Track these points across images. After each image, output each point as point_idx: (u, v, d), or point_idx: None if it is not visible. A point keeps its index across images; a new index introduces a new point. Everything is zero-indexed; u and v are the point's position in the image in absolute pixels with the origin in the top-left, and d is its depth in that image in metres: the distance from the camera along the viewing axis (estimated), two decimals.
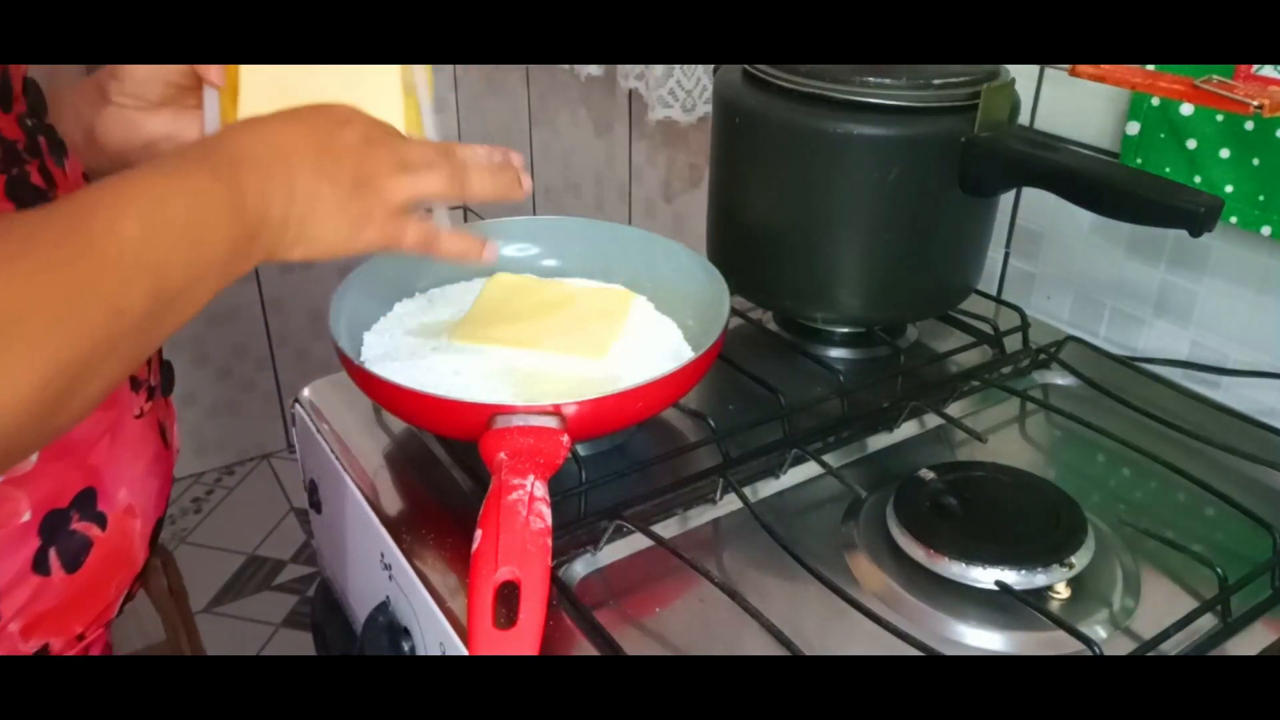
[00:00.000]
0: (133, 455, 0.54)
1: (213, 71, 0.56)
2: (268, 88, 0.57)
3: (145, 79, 0.56)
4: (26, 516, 0.48)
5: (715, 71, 0.81)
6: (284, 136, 0.48)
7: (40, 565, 0.49)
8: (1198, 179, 0.74)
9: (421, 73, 0.60)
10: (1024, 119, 0.85)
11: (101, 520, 0.51)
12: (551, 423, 0.56)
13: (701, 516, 0.63)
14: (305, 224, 0.48)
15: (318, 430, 0.71)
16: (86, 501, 0.51)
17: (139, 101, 0.56)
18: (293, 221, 0.47)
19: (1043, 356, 0.80)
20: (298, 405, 0.74)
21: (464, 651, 0.52)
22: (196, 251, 0.43)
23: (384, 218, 0.51)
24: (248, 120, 0.49)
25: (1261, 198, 0.70)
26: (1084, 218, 0.84)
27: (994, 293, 0.92)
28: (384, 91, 0.59)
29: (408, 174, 0.52)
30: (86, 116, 0.56)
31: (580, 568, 0.59)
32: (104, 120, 0.56)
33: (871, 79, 0.69)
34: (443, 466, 0.66)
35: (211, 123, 0.56)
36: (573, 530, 0.60)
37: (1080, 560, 0.56)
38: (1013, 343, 0.81)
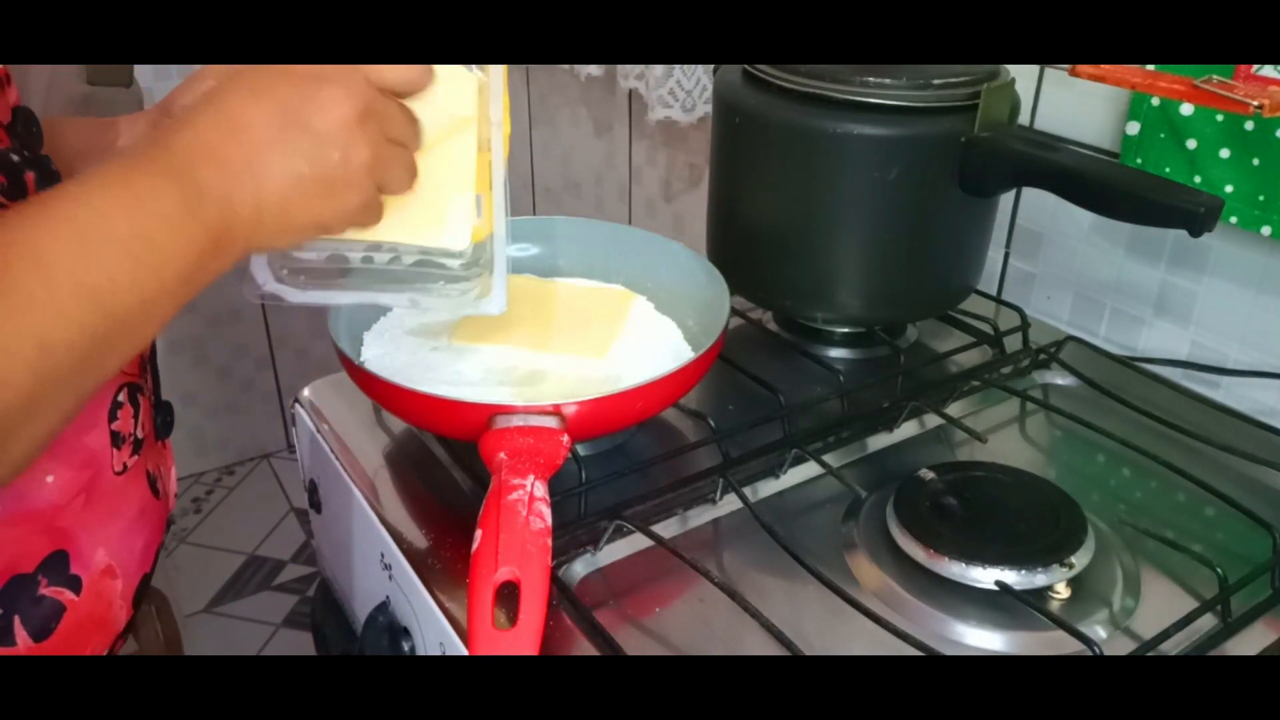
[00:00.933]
0: (111, 513, 0.51)
1: None
2: None
3: None
4: None
5: (715, 71, 0.81)
6: (244, 113, 0.41)
7: (3, 636, 0.46)
8: (1198, 179, 0.74)
9: (499, 141, 0.52)
10: (1024, 119, 0.85)
11: (75, 584, 0.48)
12: (551, 423, 0.56)
13: (701, 516, 0.63)
14: (288, 211, 0.42)
15: (318, 430, 0.71)
16: (57, 565, 0.48)
17: None
18: (269, 210, 0.41)
19: (1043, 356, 0.80)
20: (298, 405, 0.74)
21: (464, 651, 0.52)
22: (146, 266, 0.37)
23: (371, 186, 0.45)
24: (206, 97, 0.42)
25: (1261, 198, 0.70)
26: (1084, 218, 0.84)
27: (994, 293, 0.92)
28: (439, 189, 0.50)
29: (394, 134, 0.45)
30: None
31: (580, 568, 0.59)
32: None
33: (871, 79, 0.69)
34: (443, 466, 0.66)
35: None
36: (573, 530, 0.60)
37: (1080, 560, 0.56)
38: (1013, 343, 0.81)
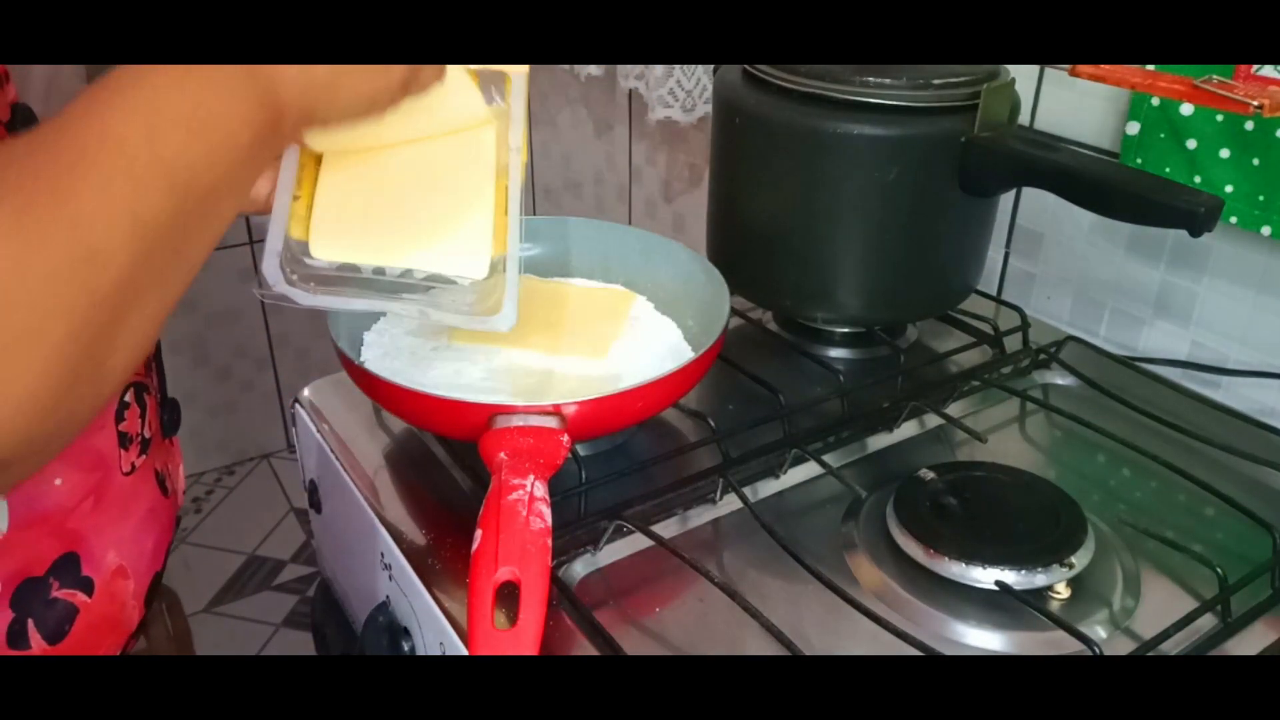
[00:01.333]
0: (122, 513, 0.51)
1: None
2: (346, 191, 0.52)
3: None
4: None
5: (715, 71, 0.81)
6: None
7: (17, 640, 0.46)
8: (1198, 179, 0.74)
9: (516, 180, 0.53)
10: (1024, 119, 0.85)
11: (87, 585, 0.49)
12: (551, 423, 0.56)
13: (701, 516, 0.63)
14: (335, 86, 0.42)
15: (318, 430, 0.71)
16: (68, 567, 0.48)
17: None
18: (317, 86, 0.41)
19: (1043, 356, 0.80)
20: (298, 405, 0.74)
21: (464, 651, 0.52)
22: (211, 142, 0.37)
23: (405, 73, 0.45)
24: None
25: (1261, 198, 0.70)
26: (1084, 218, 0.84)
27: (994, 293, 0.92)
28: (461, 212, 0.52)
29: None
30: None
31: (580, 568, 0.59)
32: None
33: (871, 79, 0.69)
34: (443, 466, 0.66)
35: (287, 177, 0.50)
36: (573, 530, 0.60)
37: (1080, 560, 0.56)
38: (1013, 343, 0.81)
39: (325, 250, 0.50)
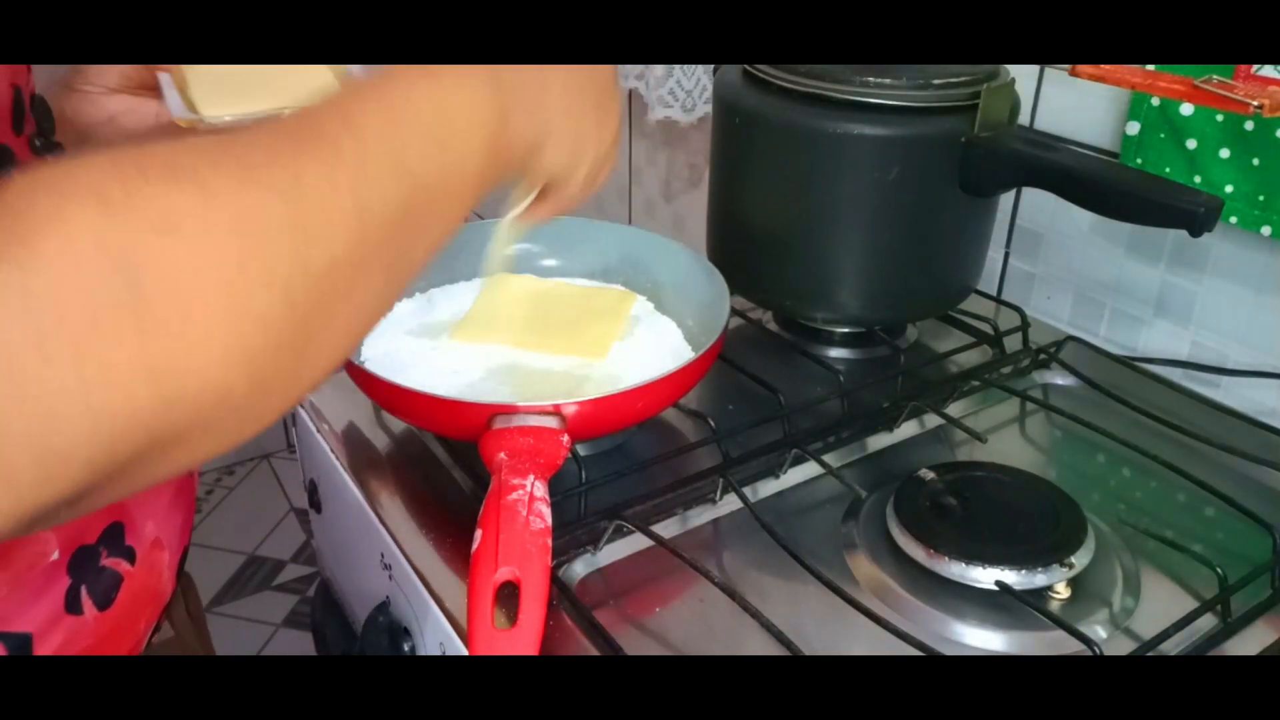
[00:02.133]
0: (158, 488, 0.53)
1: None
2: (211, 72, 0.61)
3: (101, 68, 0.59)
4: (55, 555, 0.47)
5: (715, 71, 0.81)
6: (545, 70, 0.45)
7: (73, 605, 0.48)
8: (1198, 179, 0.74)
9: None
10: (1024, 119, 0.85)
11: (130, 555, 0.51)
12: (551, 423, 0.56)
13: (701, 516, 0.63)
14: (549, 145, 0.45)
15: (318, 430, 0.71)
16: (114, 536, 0.50)
17: (99, 88, 0.59)
18: (541, 138, 0.44)
19: (1043, 356, 0.80)
20: (298, 405, 0.74)
21: (464, 651, 0.52)
22: (446, 151, 0.37)
23: (597, 164, 0.50)
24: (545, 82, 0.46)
25: (1261, 198, 0.70)
26: (1084, 218, 0.84)
27: (994, 293, 0.92)
28: (317, 75, 0.62)
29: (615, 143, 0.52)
30: (56, 101, 0.57)
31: (580, 568, 0.59)
32: (70, 103, 0.58)
33: (871, 79, 0.69)
34: (443, 466, 0.66)
35: (174, 106, 0.59)
36: (573, 530, 0.60)
37: (1080, 560, 0.56)
38: (1013, 343, 0.81)
39: (213, 109, 0.59)
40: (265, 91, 0.60)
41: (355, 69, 0.65)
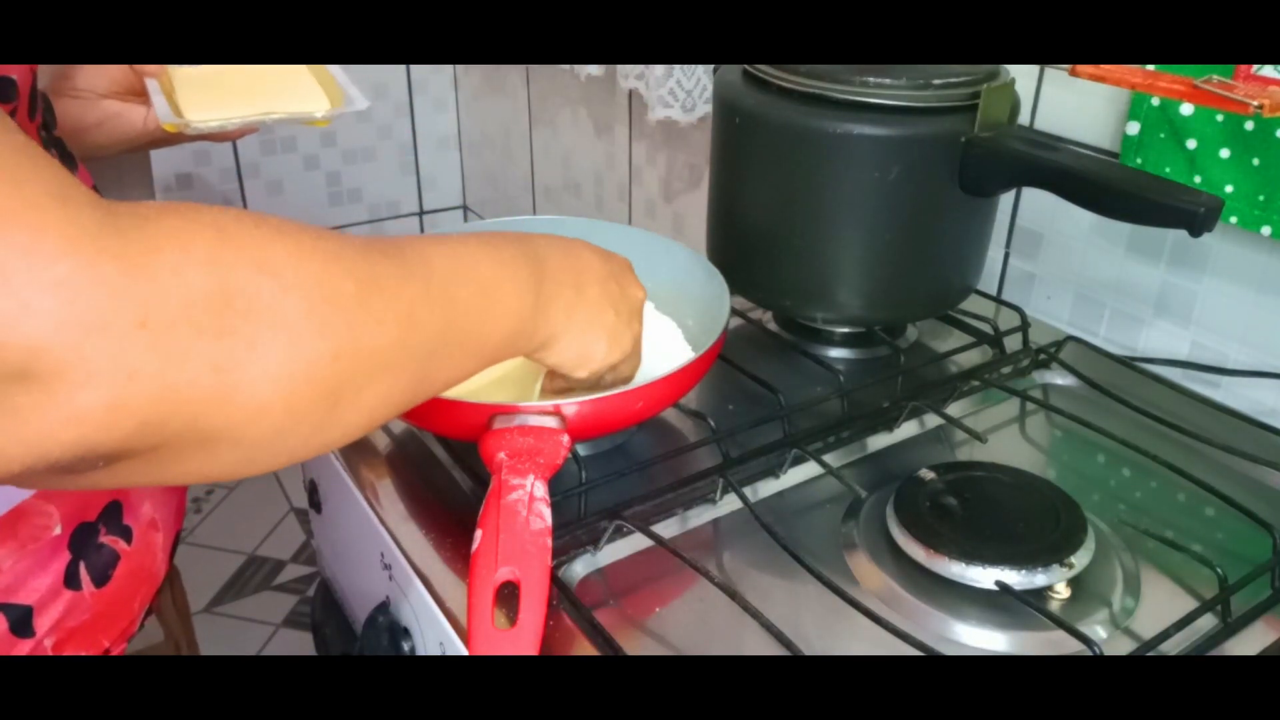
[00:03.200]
0: None
1: (150, 67, 0.62)
2: (195, 80, 0.65)
3: (92, 75, 0.62)
4: (58, 530, 0.49)
5: (715, 71, 0.81)
6: (587, 259, 0.54)
7: (71, 580, 0.50)
8: (1198, 179, 0.74)
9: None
10: (1024, 119, 0.85)
11: (127, 534, 0.52)
12: (551, 423, 0.56)
13: (701, 516, 0.63)
14: (576, 336, 0.52)
15: None
16: (113, 515, 0.51)
17: (89, 93, 0.62)
18: (570, 327, 0.52)
19: (1043, 356, 0.80)
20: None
21: (464, 651, 0.52)
22: (486, 311, 0.45)
23: (629, 350, 0.57)
24: (551, 237, 0.54)
25: (1261, 198, 0.70)
26: (1084, 218, 0.84)
27: (994, 293, 0.92)
28: (295, 76, 0.69)
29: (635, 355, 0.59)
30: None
31: (580, 568, 0.59)
32: (59, 106, 0.61)
33: (871, 79, 0.69)
34: (443, 466, 0.66)
35: (161, 111, 0.61)
36: (573, 530, 0.60)
37: (1080, 560, 0.56)
38: (1013, 343, 0.81)
39: (198, 114, 0.62)
40: (248, 98, 0.64)
41: (335, 69, 0.69)
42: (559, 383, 0.58)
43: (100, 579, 0.51)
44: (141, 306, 0.30)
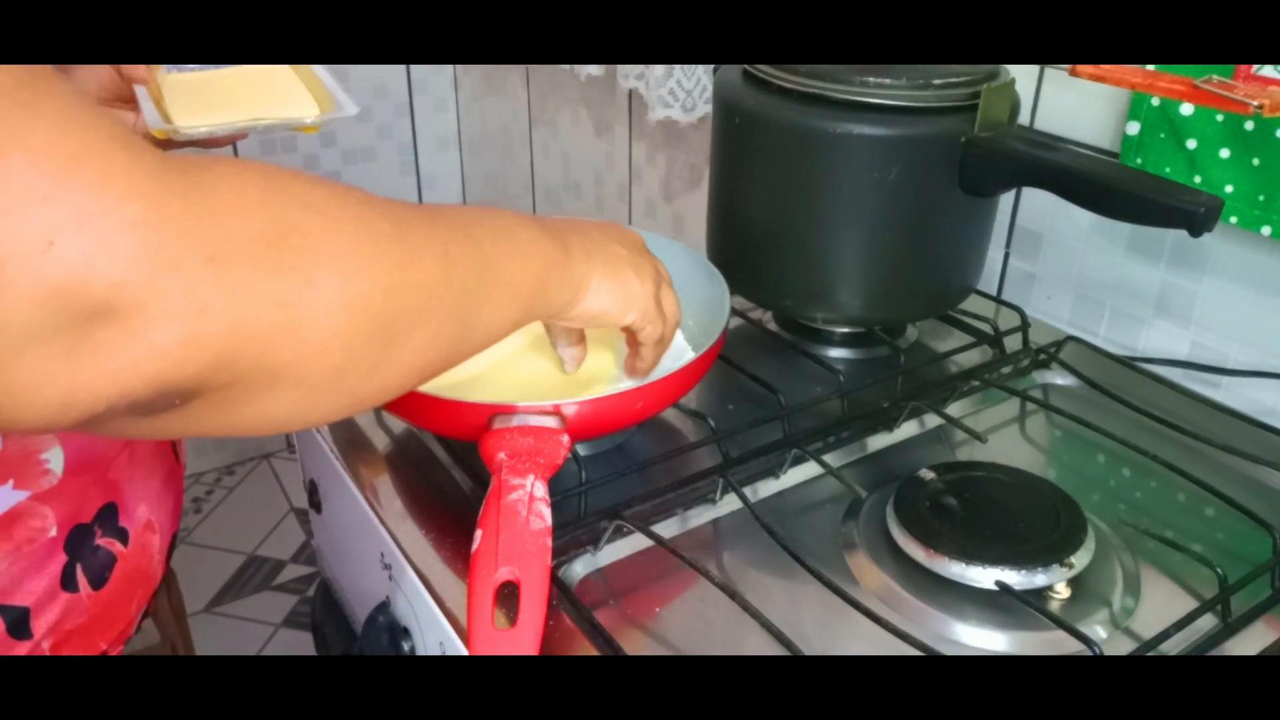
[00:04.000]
0: (149, 471, 0.55)
1: (139, 70, 0.62)
2: (184, 87, 0.66)
3: (81, 80, 0.62)
4: (53, 532, 0.49)
5: (715, 71, 0.81)
6: (602, 235, 0.55)
7: (69, 582, 0.50)
8: (1198, 179, 0.74)
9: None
10: (1024, 119, 0.85)
11: (124, 536, 0.52)
12: (551, 423, 0.56)
13: (701, 516, 0.63)
14: (602, 275, 0.52)
15: (318, 430, 0.71)
16: (109, 517, 0.52)
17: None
18: (591, 270, 0.52)
19: (1043, 356, 0.80)
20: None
21: (464, 651, 0.52)
22: (514, 248, 0.46)
23: (656, 276, 0.57)
24: (576, 222, 0.55)
25: (1261, 198, 0.70)
26: (1084, 218, 0.84)
27: (994, 293, 0.92)
28: (284, 82, 0.70)
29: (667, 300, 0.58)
30: None
31: (580, 568, 0.59)
32: None
33: (871, 79, 0.69)
34: (443, 466, 0.66)
35: (151, 118, 0.61)
36: (573, 530, 0.60)
37: (1080, 560, 0.56)
38: (1013, 343, 0.81)
39: (187, 120, 0.62)
40: (237, 104, 0.64)
41: (324, 75, 0.70)
42: (631, 353, 0.60)
43: (97, 581, 0.51)
44: (209, 243, 0.31)
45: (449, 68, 2.01)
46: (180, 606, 0.79)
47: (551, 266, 0.49)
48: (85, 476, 0.50)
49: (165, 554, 0.57)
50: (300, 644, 1.65)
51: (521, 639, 0.46)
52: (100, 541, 0.51)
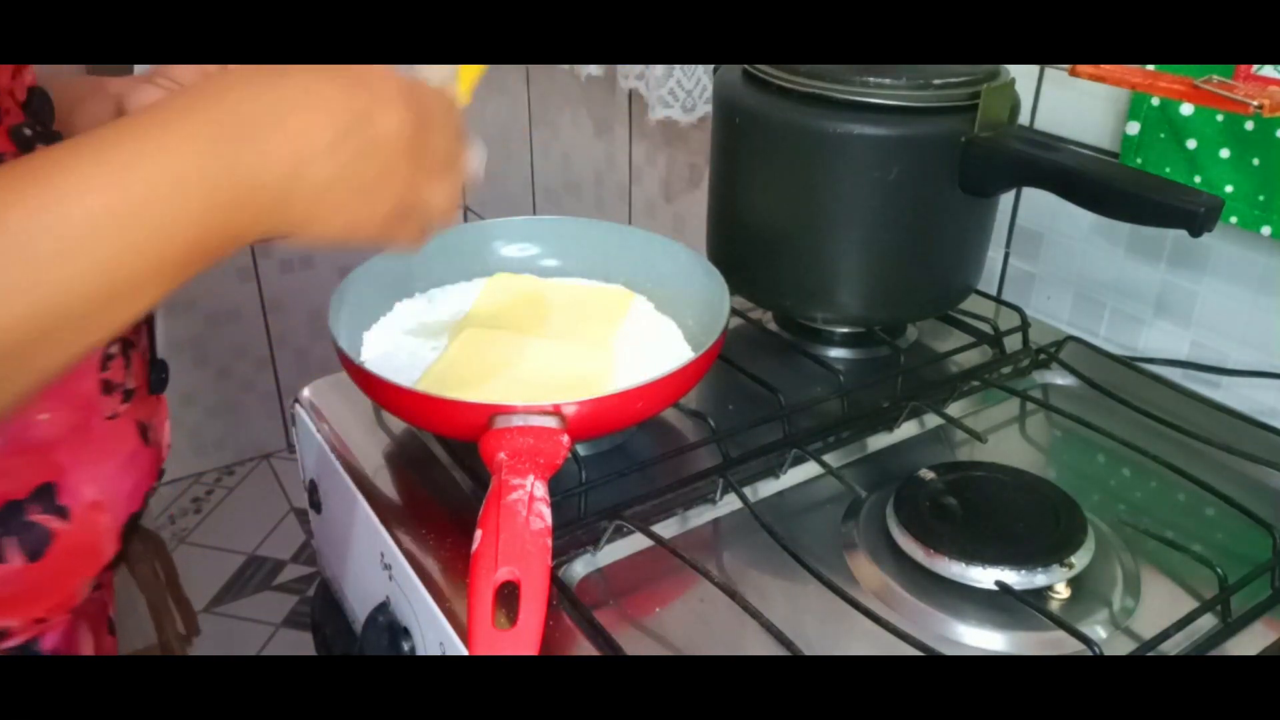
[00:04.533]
0: (102, 453, 0.55)
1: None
2: None
3: (183, 68, 0.55)
4: None
5: (715, 71, 0.81)
6: (303, 109, 0.40)
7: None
8: (1198, 179, 0.74)
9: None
10: (1024, 119, 0.85)
11: (63, 512, 0.53)
12: (551, 423, 0.56)
13: (701, 516, 0.63)
14: (313, 214, 0.41)
15: (318, 430, 0.71)
16: (45, 495, 0.52)
17: (174, 84, 0.55)
18: (295, 208, 0.40)
19: (1043, 356, 0.80)
20: (298, 405, 0.74)
21: (464, 651, 0.52)
22: (156, 237, 0.36)
23: (399, 220, 0.45)
24: (269, 70, 0.41)
25: (1261, 198, 0.70)
26: (1084, 218, 0.84)
27: (994, 293, 0.92)
28: None
29: (437, 182, 0.45)
30: (124, 98, 0.55)
31: (580, 568, 0.59)
32: (143, 94, 0.54)
33: (871, 79, 0.69)
34: (443, 466, 0.66)
35: None
36: (573, 530, 0.60)
37: (1080, 560, 0.56)
38: (1013, 343, 0.81)
39: None
40: None
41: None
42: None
43: (34, 554, 0.52)
44: None
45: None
46: (173, 574, 0.79)
47: (195, 252, 0.38)
48: (22, 458, 0.52)
49: (118, 532, 0.58)
50: (300, 644, 1.65)
51: (521, 639, 0.46)
52: (35, 517, 0.52)
